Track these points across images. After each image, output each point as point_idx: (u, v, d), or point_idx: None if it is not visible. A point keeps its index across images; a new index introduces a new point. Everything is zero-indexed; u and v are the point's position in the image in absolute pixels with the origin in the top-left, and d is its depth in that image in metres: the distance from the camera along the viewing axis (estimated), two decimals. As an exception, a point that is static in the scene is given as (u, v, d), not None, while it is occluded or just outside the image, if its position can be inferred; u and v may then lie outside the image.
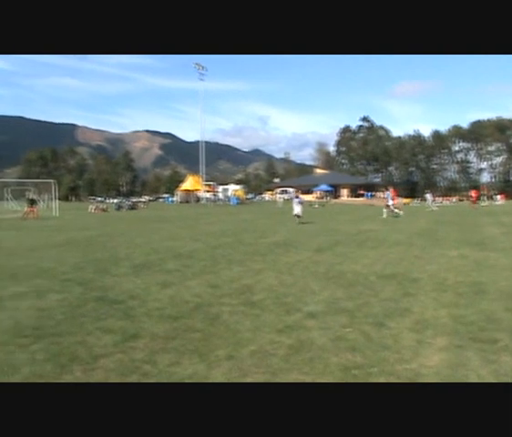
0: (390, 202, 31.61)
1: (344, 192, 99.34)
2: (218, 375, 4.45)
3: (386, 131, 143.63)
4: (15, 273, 9.89)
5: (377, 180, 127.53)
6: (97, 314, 6.66)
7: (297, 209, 26.45)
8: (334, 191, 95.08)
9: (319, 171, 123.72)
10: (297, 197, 28.09)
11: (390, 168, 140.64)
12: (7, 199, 51.20)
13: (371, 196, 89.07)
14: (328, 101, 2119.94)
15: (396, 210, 31.31)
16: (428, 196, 53.54)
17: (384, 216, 30.07)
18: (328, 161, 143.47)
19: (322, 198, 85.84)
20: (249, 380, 4.36)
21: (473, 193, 56.57)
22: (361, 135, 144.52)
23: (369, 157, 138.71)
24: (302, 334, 5.73)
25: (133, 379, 4.37)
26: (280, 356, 4.97)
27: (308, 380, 4.36)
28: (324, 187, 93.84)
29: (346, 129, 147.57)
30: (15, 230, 22.50)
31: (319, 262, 11.40)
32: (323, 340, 5.48)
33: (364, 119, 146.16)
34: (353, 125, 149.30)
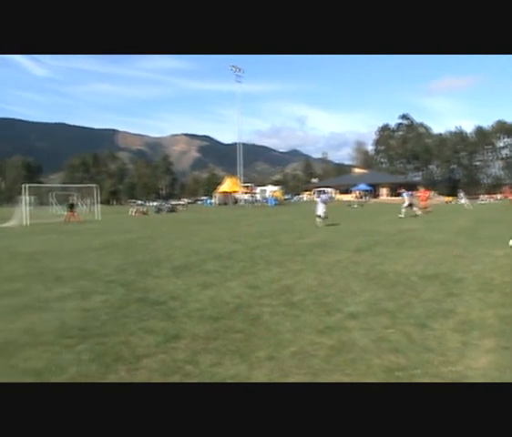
0: (407, 203, 31.11)
1: (383, 191, 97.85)
2: (259, 376, 4.47)
3: (426, 128, 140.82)
4: (60, 275, 10.19)
5: (417, 179, 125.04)
6: (140, 315, 6.79)
7: (320, 210, 24.26)
8: (373, 191, 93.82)
9: (357, 171, 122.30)
10: (321, 194, 26.31)
11: (431, 166, 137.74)
12: (52, 204, 52.72)
13: (411, 195, 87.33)
14: (366, 99, 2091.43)
15: (415, 209, 30.78)
16: (461, 194, 52.69)
17: (402, 215, 29.62)
18: (367, 160, 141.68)
19: (361, 197, 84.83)
20: (291, 381, 4.35)
21: (507, 189, 55.52)
22: (400, 133, 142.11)
23: (409, 156, 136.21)
24: (343, 335, 5.69)
25: (175, 379, 4.43)
26: (321, 357, 4.95)
27: (350, 381, 4.32)
28: (363, 186, 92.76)
29: (385, 128, 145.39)
30: (59, 234, 23.18)
31: (359, 262, 11.28)
32: (365, 341, 5.42)
33: (404, 117, 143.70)
34: (392, 123, 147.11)
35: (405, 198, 31.92)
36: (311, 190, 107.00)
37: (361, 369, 4.60)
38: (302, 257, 12.44)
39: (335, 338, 5.58)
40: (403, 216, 29.41)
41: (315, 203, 25.35)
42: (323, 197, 26.26)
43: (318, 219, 24.00)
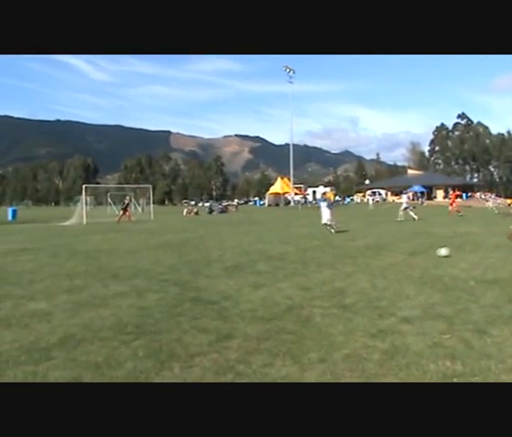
0: (404, 205, 30.51)
1: (439, 193, 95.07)
2: (311, 378, 4.45)
3: (485, 128, 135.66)
4: (117, 274, 10.52)
5: (475, 181, 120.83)
6: (193, 314, 6.91)
7: (325, 216, 20.48)
8: (428, 192, 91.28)
9: (411, 172, 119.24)
10: (324, 199, 21.63)
11: (490, 168, 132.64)
12: (109, 204, 54.41)
13: (468, 197, 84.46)
14: (421, 99, 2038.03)
15: (411, 213, 29.76)
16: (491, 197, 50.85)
17: (400, 218, 29.20)
18: (421, 161, 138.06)
19: (414, 199, 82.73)
20: (342, 381, 4.31)
21: None
22: (457, 133, 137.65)
23: (466, 157, 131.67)
24: (396, 339, 5.58)
25: (228, 378, 4.48)
26: (374, 361, 4.87)
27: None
28: (417, 188, 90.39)
29: (441, 127, 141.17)
30: (115, 233, 23.93)
31: (413, 266, 11.02)
32: (420, 346, 5.29)
33: (461, 116, 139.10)
34: (449, 122, 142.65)
35: (404, 199, 31.29)
36: (363, 192, 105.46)
37: (416, 374, 4.50)
38: (353, 259, 12.29)
39: (389, 342, 5.48)
40: (400, 219, 29.15)
41: (320, 208, 20.88)
42: (328, 200, 21.62)
43: (328, 228, 20.35)
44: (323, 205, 20.69)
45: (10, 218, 43.65)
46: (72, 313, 7.01)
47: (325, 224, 20.21)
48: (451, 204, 36.44)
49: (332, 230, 19.91)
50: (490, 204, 48.58)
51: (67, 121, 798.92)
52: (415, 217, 29.31)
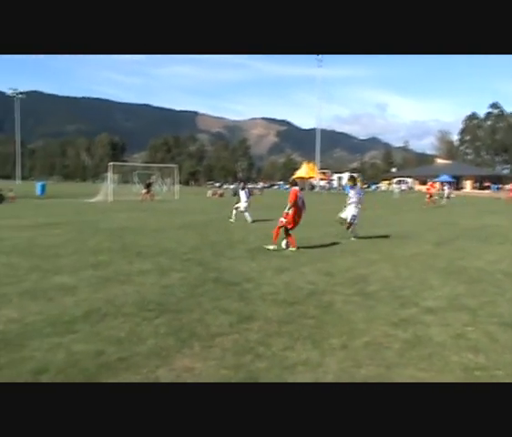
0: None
1: (468, 184, 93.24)
2: (331, 363, 4.44)
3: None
4: (141, 251, 10.64)
5: (505, 172, 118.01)
6: (215, 294, 6.95)
7: (351, 211, 13.76)
8: (456, 183, 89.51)
9: (440, 161, 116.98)
10: (353, 186, 14.61)
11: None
12: (134, 183, 54.74)
13: (498, 188, 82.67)
14: (452, 87, 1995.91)
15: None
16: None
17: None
18: (450, 151, 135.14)
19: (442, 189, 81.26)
20: (363, 372, 4.29)
21: None
22: (489, 123, 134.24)
23: (497, 147, 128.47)
24: (418, 329, 5.52)
25: (248, 359, 4.49)
26: (395, 350, 4.83)
27: (426, 377, 4.18)
28: (445, 177, 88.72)
29: (472, 117, 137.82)
30: (140, 211, 24.16)
31: (438, 256, 10.86)
32: (443, 338, 5.23)
33: (493, 106, 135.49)
34: (481, 112, 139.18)
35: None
36: (389, 180, 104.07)
37: (437, 365, 4.45)
38: (377, 247, 12.18)
39: (410, 331, 5.42)
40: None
41: (348, 199, 13.85)
42: (358, 191, 14.43)
43: (346, 227, 14.00)
44: (352, 195, 14.01)
45: (39, 192, 44.50)
46: (96, 288, 7.13)
47: (343, 221, 14.09)
48: (428, 195, 35.58)
49: (352, 237, 13.73)
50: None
51: (96, 98, 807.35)
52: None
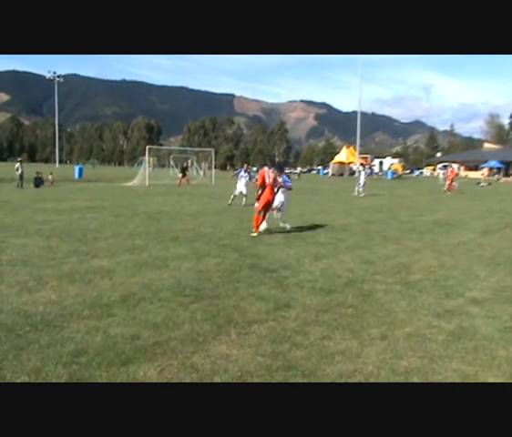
0: (362, 181, 28.77)
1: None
2: (371, 354, 4.29)
3: None
4: (177, 236, 10.65)
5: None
6: (251, 280, 6.87)
7: (279, 197, 12.48)
8: (506, 169, 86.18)
9: (488, 146, 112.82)
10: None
11: None
12: (171, 166, 54.84)
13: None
14: (503, 67, 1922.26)
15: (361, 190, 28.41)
16: None
17: (356, 194, 28.34)
18: (500, 135, 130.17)
19: (490, 175, 78.54)
20: (404, 363, 4.12)
21: None
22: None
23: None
24: (464, 321, 5.29)
25: (285, 347, 4.40)
26: (439, 342, 4.64)
27: (471, 371, 3.99)
28: (494, 163, 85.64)
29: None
30: (177, 195, 24.32)
31: (485, 245, 10.46)
32: (489, 330, 4.99)
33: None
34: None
35: (362, 175, 29.58)
36: (434, 165, 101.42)
37: (483, 359, 4.24)
38: (420, 235, 11.84)
39: (455, 323, 5.21)
40: (358, 195, 27.94)
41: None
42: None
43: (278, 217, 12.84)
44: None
45: (77, 175, 45.35)
46: (133, 272, 7.17)
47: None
48: (449, 181, 34.10)
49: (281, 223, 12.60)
50: None
51: (133, 81, 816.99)
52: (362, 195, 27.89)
